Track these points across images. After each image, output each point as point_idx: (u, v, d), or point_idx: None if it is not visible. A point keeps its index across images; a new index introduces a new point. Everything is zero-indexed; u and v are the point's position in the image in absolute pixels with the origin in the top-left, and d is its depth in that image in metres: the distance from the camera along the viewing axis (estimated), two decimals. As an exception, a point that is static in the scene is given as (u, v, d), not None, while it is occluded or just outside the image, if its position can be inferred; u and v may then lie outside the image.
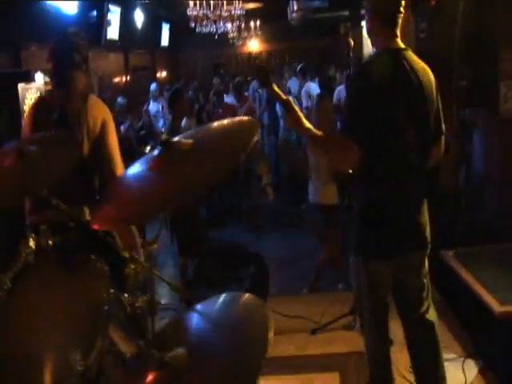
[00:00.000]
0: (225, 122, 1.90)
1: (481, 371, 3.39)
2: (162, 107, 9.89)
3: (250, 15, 12.32)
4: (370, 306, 2.73)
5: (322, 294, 5.07)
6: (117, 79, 11.89)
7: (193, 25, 8.93)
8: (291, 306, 4.60)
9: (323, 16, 11.71)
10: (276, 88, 2.51)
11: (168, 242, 6.63)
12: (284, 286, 5.52)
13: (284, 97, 2.54)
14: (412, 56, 2.57)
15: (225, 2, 8.34)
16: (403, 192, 2.59)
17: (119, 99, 9.17)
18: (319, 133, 2.52)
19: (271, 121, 9.42)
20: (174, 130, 5.53)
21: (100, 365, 1.60)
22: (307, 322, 4.23)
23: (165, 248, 6.66)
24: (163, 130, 8.72)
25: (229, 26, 11.81)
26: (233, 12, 8.32)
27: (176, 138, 1.73)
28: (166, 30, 14.06)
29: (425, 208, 2.67)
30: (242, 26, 11.90)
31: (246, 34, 13.01)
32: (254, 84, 10.09)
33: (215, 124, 1.88)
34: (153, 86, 10.04)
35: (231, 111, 7.65)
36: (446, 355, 2.95)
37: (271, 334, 1.38)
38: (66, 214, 2.06)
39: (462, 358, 3.46)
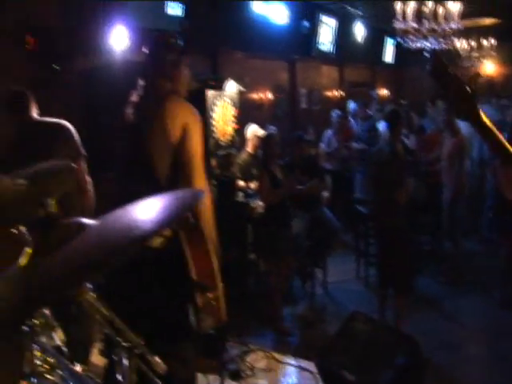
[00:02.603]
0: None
1: None
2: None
3: (482, 32, 10.98)
4: None
5: None
6: (328, 93, 11.44)
7: (399, 39, 7.99)
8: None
9: None
10: (484, 118, 1.53)
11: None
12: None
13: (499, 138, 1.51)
14: None
15: (440, 16, 7.20)
16: None
17: (334, 113, 8.67)
18: None
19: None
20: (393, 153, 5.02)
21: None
22: None
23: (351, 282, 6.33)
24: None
25: (457, 43, 10.64)
26: (446, 27, 7.13)
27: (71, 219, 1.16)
28: (389, 45, 13.25)
29: None
30: (472, 44, 10.61)
31: (476, 54, 11.61)
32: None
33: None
34: (352, 105, 9.31)
35: (435, 141, 6.58)
36: None
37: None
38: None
39: None
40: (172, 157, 2.65)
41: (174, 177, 2.67)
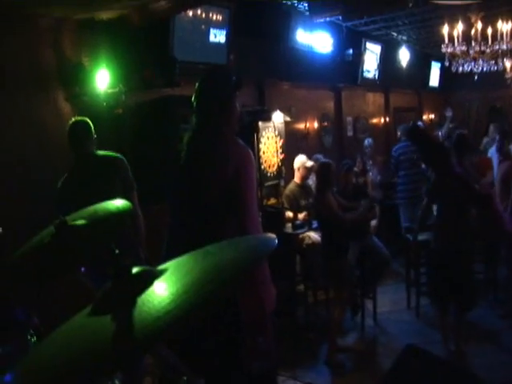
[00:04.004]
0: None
1: None
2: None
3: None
4: None
5: None
6: (374, 120, 11.34)
7: (445, 63, 7.88)
8: None
9: None
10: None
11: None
12: None
13: None
14: None
15: (489, 37, 7.06)
16: None
17: (366, 141, 8.78)
18: None
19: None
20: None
21: None
22: None
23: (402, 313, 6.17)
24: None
25: (508, 64, 10.41)
26: (499, 47, 6.99)
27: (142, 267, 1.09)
28: (435, 69, 13.09)
29: None
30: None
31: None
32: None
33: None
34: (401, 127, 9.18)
35: (486, 166, 6.40)
36: None
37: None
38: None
39: None
40: (224, 193, 2.64)
41: (225, 212, 2.66)
